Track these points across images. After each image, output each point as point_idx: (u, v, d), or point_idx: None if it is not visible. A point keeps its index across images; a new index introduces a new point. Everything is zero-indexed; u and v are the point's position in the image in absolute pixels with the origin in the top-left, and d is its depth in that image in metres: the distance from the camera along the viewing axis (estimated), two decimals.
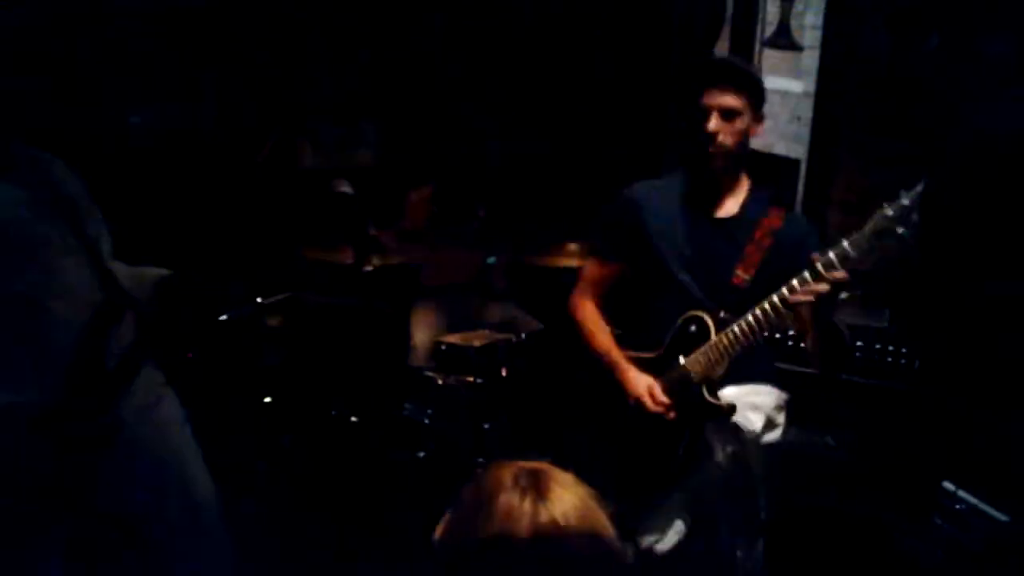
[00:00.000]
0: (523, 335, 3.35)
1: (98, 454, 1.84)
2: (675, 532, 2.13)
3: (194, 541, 2.06)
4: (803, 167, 3.44)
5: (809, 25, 3.51)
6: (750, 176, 2.21)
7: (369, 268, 2.10)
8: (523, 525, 0.98)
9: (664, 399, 2.09)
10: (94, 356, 1.81)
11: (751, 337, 1.99)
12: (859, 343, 2.69)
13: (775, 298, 1.90)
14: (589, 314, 2.34)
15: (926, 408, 2.59)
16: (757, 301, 1.97)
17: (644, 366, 2.18)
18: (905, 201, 1.72)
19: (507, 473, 1.05)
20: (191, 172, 2.05)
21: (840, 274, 1.77)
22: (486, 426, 3.02)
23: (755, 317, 1.96)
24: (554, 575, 0.98)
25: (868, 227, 1.75)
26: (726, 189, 2.16)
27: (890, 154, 3.17)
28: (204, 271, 2.00)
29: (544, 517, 0.99)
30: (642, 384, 2.13)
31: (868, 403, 2.65)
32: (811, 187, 3.44)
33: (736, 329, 2.00)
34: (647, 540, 2.14)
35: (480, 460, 2.93)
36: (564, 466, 1.09)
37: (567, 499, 1.01)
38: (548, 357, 3.38)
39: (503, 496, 1.01)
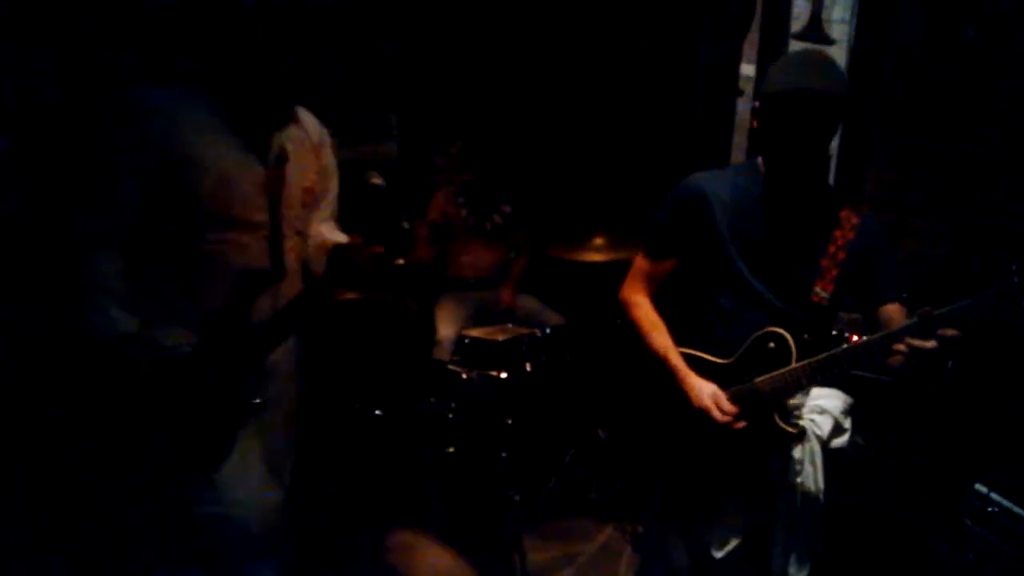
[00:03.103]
0: (547, 330, 3.33)
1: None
2: (733, 538, 2.06)
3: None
4: (833, 162, 3.41)
5: (837, 19, 3.47)
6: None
7: (401, 262, 2.07)
8: None
9: (732, 408, 1.95)
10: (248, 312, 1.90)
11: (837, 373, 1.87)
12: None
13: (873, 344, 1.78)
14: (644, 311, 2.17)
15: (958, 409, 2.55)
16: (831, 317, 1.90)
17: (708, 370, 2.04)
18: None
19: None
20: None
21: (952, 332, 1.66)
22: (509, 421, 3.00)
23: (846, 356, 1.83)
24: None
25: (991, 292, 1.65)
26: (806, 192, 1.97)
27: (921, 149, 3.13)
28: None
29: None
30: (707, 392, 1.99)
31: (899, 403, 2.62)
32: (841, 182, 3.40)
33: (823, 363, 1.87)
34: (705, 540, 2.08)
35: (503, 455, 2.92)
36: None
37: None
38: (572, 351, 3.37)
39: None
